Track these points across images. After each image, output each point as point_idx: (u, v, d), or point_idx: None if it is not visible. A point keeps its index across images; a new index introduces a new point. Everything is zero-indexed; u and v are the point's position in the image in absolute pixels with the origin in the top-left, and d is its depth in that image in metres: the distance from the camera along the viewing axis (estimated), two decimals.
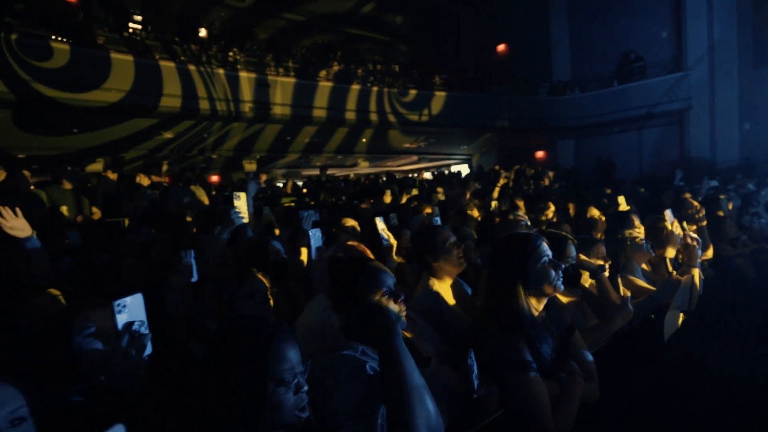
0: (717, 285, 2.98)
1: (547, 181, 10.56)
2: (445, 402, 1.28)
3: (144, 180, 5.35)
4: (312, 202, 6.79)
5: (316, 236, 1.95)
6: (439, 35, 18.94)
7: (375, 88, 12.53)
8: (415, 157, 19.56)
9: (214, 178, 13.24)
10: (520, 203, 5.72)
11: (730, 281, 3.20)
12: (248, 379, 0.93)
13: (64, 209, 4.50)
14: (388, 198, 5.84)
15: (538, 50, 16.44)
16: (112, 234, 4.85)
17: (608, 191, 6.58)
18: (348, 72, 12.72)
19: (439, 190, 6.93)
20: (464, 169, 17.54)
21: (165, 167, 11.02)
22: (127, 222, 5.15)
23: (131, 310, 1.16)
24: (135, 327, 1.15)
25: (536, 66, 16.18)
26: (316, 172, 15.12)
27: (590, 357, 1.63)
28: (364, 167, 19.12)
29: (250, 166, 14.76)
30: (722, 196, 4.35)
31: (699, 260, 2.29)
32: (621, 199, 3.07)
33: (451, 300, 1.87)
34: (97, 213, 5.07)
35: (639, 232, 2.59)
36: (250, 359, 0.94)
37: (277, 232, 4.22)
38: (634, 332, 2.03)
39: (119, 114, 9.26)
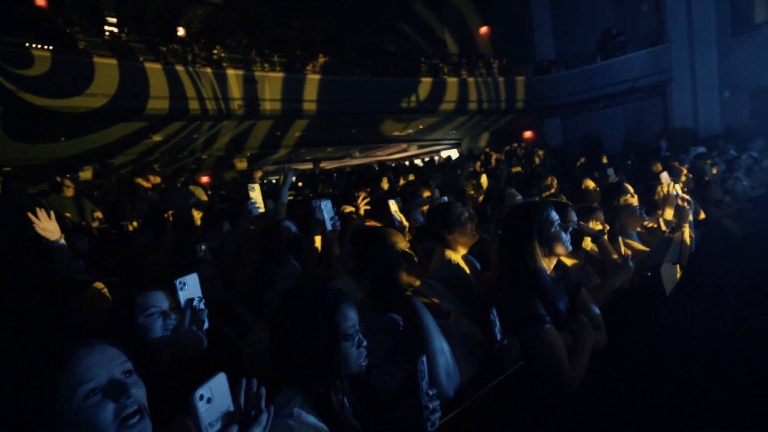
0: (705, 244, 3.17)
1: (537, 160, 10.76)
2: (466, 348, 1.44)
3: (145, 183, 5.38)
4: (311, 194, 6.89)
5: (327, 207, 2.03)
6: (425, 22, 18.90)
7: (362, 78, 12.55)
8: (404, 145, 19.65)
9: (204, 179, 13.19)
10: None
11: (718, 240, 3.39)
12: (323, 337, 1.08)
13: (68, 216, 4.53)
14: (385, 185, 5.94)
15: (520, 31, 16.52)
16: (119, 238, 4.91)
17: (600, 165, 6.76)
18: (335, 64, 12.67)
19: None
20: (454, 154, 17.69)
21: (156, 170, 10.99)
22: (131, 227, 5.19)
23: (189, 287, 1.29)
24: (195, 303, 1.27)
25: (519, 47, 16.27)
26: (308, 166, 15.15)
27: (597, 310, 1.78)
28: (356, 158, 19.15)
29: (241, 165, 14.73)
30: (708, 162, 4.54)
31: (690, 219, 2.45)
32: (610, 171, 3.22)
33: (466, 269, 2.02)
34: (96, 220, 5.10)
35: (633, 199, 2.75)
36: (323, 319, 1.09)
37: None
38: (633, 289, 2.19)
39: (106, 119, 9.19)
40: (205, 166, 14.51)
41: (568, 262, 2.16)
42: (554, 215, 1.65)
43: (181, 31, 13.73)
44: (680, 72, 12.81)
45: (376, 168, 11.61)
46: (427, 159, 17.29)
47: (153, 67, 9.18)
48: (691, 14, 12.44)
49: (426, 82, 13.69)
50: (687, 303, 2.37)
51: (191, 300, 1.28)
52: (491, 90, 14.59)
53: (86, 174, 11.02)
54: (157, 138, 10.92)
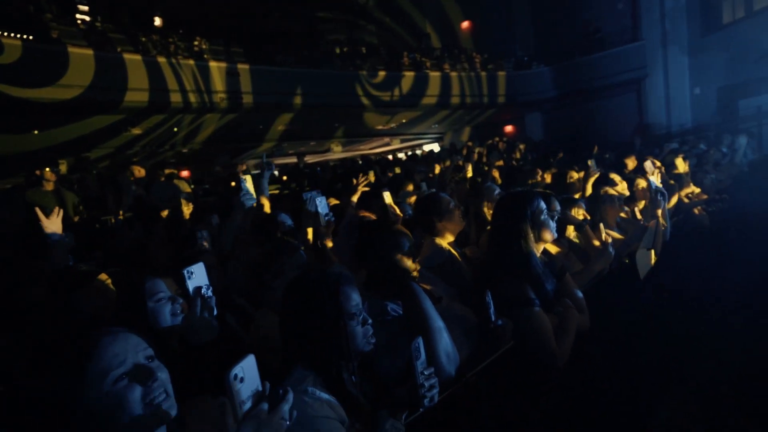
0: (677, 233, 3.37)
1: (518, 154, 11.00)
2: (460, 329, 1.54)
3: (140, 172, 5.29)
4: (297, 188, 6.89)
5: (322, 203, 2.11)
6: (405, 15, 18.90)
7: (344, 72, 12.51)
8: (387, 139, 19.69)
9: (185, 173, 12.95)
10: (495, 174, 6.06)
11: (688, 229, 3.61)
12: (329, 316, 1.14)
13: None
14: (372, 177, 6.01)
15: (501, 26, 16.73)
16: (100, 232, 4.82)
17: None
18: (317, 56, 12.57)
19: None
20: (436, 148, 17.85)
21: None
22: (113, 220, 5.10)
23: (197, 276, 1.33)
24: (204, 291, 1.31)
25: (500, 42, 16.48)
26: (291, 160, 15.02)
27: (580, 294, 1.90)
28: (337, 152, 19.09)
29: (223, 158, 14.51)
30: (681, 156, 4.78)
31: (665, 209, 2.62)
32: (590, 162, 3.38)
33: (456, 255, 2.12)
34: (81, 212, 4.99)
35: (622, 189, 2.90)
36: (327, 300, 1.16)
37: None
38: (612, 274, 2.34)
39: (81, 110, 8.91)
40: (186, 160, 14.24)
41: (553, 249, 2.28)
42: (543, 204, 1.77)
43: (157, 21, 13.36)
44: (654, 69, 13.25)
45: (360, 162, 11.66)
46: (410, 153, 17.42)
47: (132, 58, 8.93)
48: (664, 13, 12.86)
49: (408, 76, 13.75)
50: (662, 287, 2.54)
51: (200, 288, 1.33)
52: (474, 84, 14.76)
53: (61, 168, 10.66)
54: (136, 131, 10.65)
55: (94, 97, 8.65)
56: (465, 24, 18.34)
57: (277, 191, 6.59)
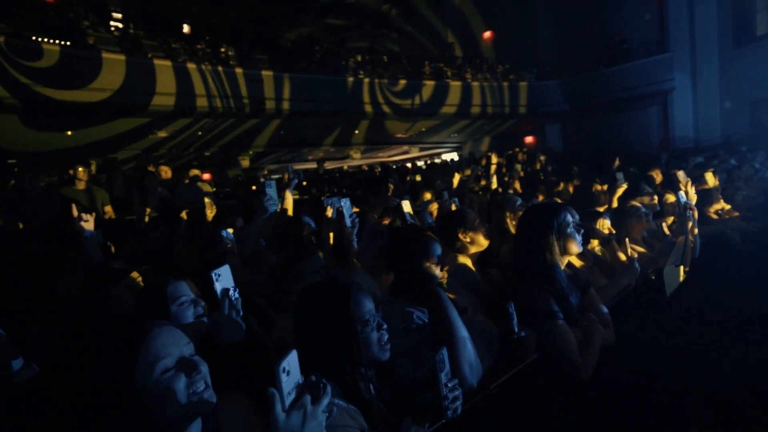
0: (706, 250, 3.27)
1: (538, 165, 10.87)
2: (484, 340, 1.53)
3: (166, 173, 5.46)
4: (316, 193, 6.98)
5: (346, 205, 2.15)
6: (428, 24, 19.03)
7: (366, 80, 12.63)
8: (406, 147, 19.75)
9: (206, 176, 13.26)
10: (516, 185, 6.01)
11: (718, 247, 3.49)
12: (341, 323, 1.16)
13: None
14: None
15: (523, 36, 16.65)
16: (125, 232, 4.97)
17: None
18: (339, 64, 12.75)
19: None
20: (455, 158, 17.78)
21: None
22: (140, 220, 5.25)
23: (224, 278, 1.36)
24: (231, 293, 1.35)
25: (523, 52, 16.39)
26: (311, 165, 15.21)
27: (605, 309, 1.87)
28: (356, 159, 19.23)
29: (245, 162, 14.81)
30: (711, 170, 4.65)
31: (695, 224, 2.55)
32: (618, 175, 3.32)
33: (473, 269, 2.11)
34: (109, 212, 5.16)
35: (653, 200, 2.83)
36: (338, 307, 1.17)
37: None
38: (638, 290, 2.28)
39: (109, 113, 9.27)
40: (209, 162, 14.58)
41: (577, 263, 2.25)
42: (570, 216, 1.74)
43: (186, 28, 13.82)
44: (682, 81, 12.94)
45: (377, 170, 11.74)
46: (428, 162, 17.42)
47: (162, 64, 9.25)
48: (693, 24, 12.58)
49: (429, 84, 13.80)
50: (689, 305, 2.47)
51: (227, 290, 1.36)
52: (496, 94, 14.70)
53: (92, 167, 11.05)
54: (162, 134, 10.99)
55: (123, 101, 9.00)
56: (487, 34, 18.33)
57: (297, 196, 6.68)
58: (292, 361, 0.87)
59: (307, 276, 1.70)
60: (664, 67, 13.07)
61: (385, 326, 1.21)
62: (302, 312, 1.23)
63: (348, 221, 2.11)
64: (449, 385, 1.15)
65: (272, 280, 2.00)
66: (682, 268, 2.23)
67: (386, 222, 2.27)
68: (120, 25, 10.30)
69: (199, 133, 11.37)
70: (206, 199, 5.72)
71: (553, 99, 14.99)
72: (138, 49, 9.42)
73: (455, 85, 14.18)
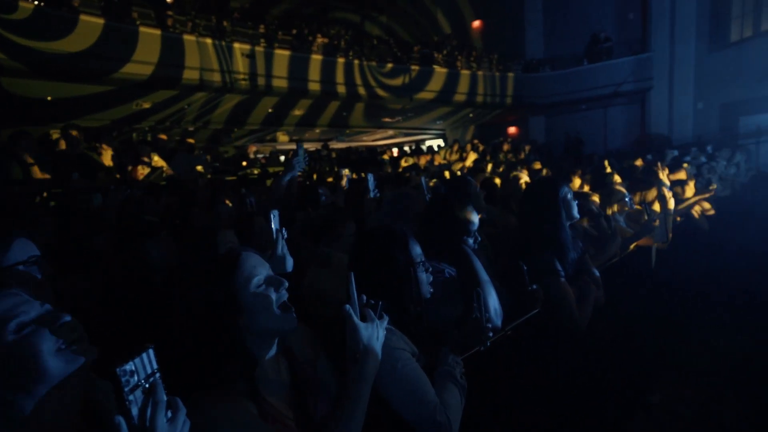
0: (677, 234, 3.63)
1: (523, 155, 11.24)
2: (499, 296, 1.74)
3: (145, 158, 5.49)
4: (315, 175, 7.08)
5: (371, 180, 2.38)
6: (419, 9, 18.97)
7: (357, 61, 12.58)
8: (390, 132, 19.82)
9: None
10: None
11: (688, 232, 3.87)
12: (403, 264, 1.34)
13: None
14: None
15: (512, 28, 16.87)
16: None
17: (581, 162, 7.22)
18: (332, 45, 12.63)
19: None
20: (439, 144, 18.03)
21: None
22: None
23: (275, 220, 1.56)
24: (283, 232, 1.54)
25: (510, 43, 16.63)
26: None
27: (597, 272, 2.13)
28: (341, 142, 19.19)
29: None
30: (686, 165, 5.05)
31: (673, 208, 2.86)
32: (606, 163, 3.61)
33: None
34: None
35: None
36: (401, 250, 1.36)
37: None
38: (623, 261, 2.57)
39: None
40: (200, 138, 14.28)
41: None
42: (567, 188, 2.02)
43: None
44: (660, 81, 13.51)
45: (362, 151, 11.82)
46: (413, 147, 17.58)
47: (151, 32, 8.98)
48: (673, 27, 13.10)
49: (415, 70, 13.84)
50: (662, 281, 2.79)
51: (280, 229, 1.56)
52: (486, 83, 14.90)
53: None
54: (145, 105, 10.69)
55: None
56: (476, 23, 18.47)
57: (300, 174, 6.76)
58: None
59: (346, 237, 1.90)
60: (645, 66, 13.59)
61: (430, 268, 1.40)
62: (364, 256, 1.39)
63: (372, 194, 2.34)
64: (486, 317, 1.35)
65: (306, 235, 2.20)
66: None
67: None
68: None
69: (186, 107, 11.12)
70: (198, 167, 5.84)
71: (538, 91, 15.36)
72: (123, 14, 9.06)
73: (441, 72, 14.25)
